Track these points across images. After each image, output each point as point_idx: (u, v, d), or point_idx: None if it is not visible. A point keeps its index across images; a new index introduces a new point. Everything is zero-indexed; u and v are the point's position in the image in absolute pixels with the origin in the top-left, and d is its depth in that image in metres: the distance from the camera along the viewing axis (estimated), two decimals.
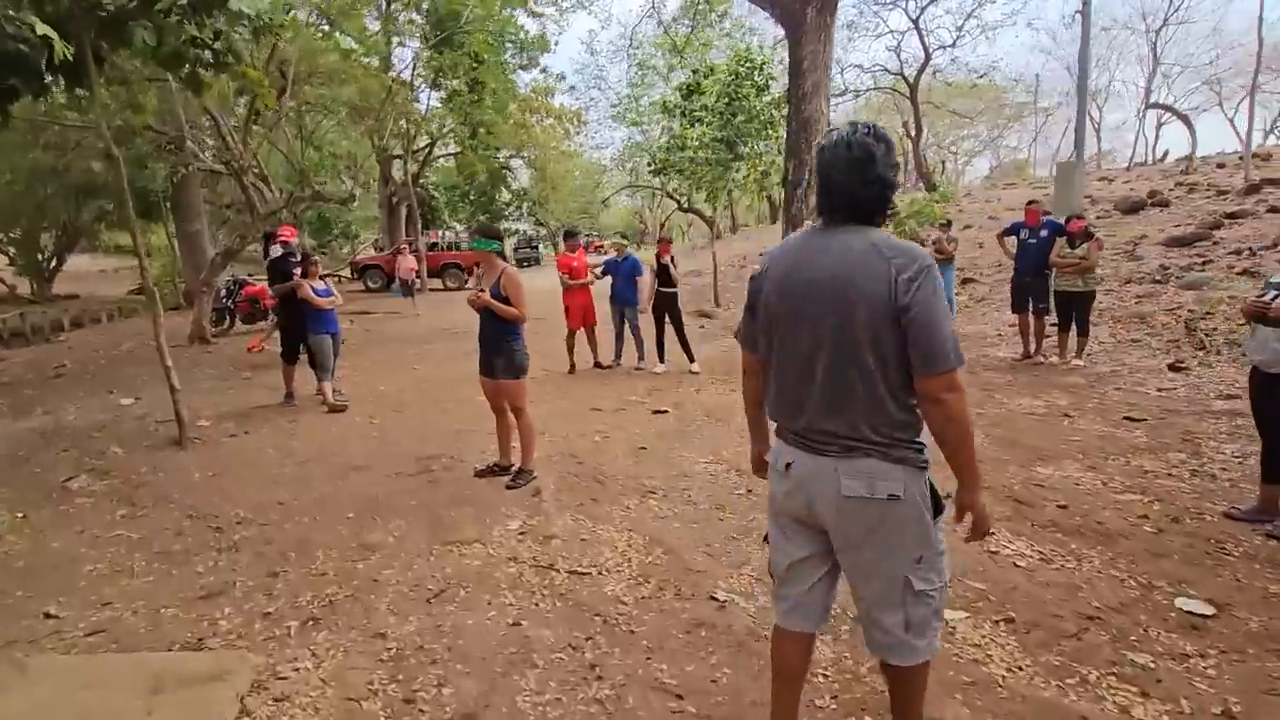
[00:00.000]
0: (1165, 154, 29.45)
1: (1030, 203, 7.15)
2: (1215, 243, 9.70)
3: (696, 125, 16.05)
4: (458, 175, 29.80)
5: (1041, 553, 3.08)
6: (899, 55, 25.12)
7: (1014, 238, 7.18)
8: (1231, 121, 30.77)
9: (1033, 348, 7.10)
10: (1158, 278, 8.86)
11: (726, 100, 13.92)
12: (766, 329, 1.67)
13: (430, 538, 3.43)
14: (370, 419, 5.93)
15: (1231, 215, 10.74)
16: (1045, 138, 39.21)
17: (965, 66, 24.83)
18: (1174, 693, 2.11)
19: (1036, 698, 2.11)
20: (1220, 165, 17.94)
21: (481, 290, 3.88)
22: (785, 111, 14.77)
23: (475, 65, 16.51)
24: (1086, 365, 6.63)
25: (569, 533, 3.45)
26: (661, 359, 7.77)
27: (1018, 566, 2.96)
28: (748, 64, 14.40)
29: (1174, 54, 30.50)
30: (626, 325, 7.90)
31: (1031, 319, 7.04)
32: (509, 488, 4.06)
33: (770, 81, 14.47)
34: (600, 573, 3.04)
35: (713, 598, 2.74)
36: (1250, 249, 8.87)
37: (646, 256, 8.41)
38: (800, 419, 1.61)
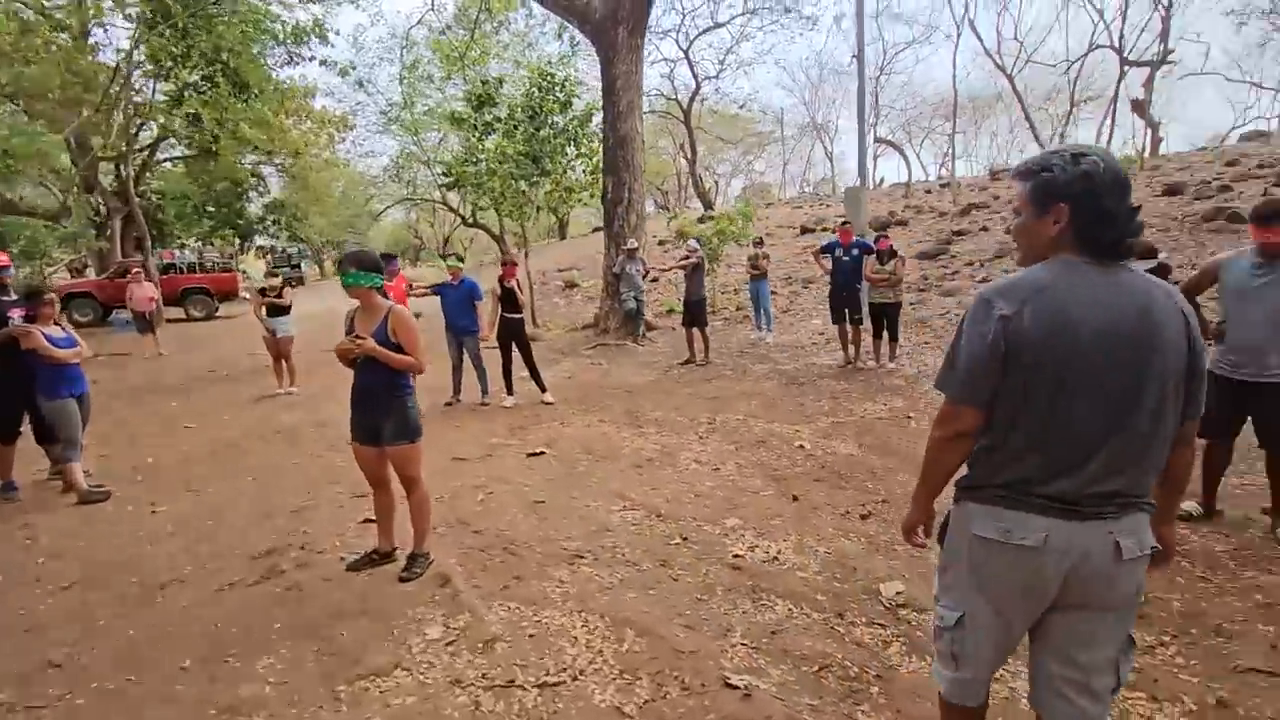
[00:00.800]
0: (882, 180, 35.69)
1: (844, 223, 7.94)
2: (953, 256, 11.79)
3: (490, 136, 15.48)
4: (191, 183, 25.18)
5: None
6: (672, 81, 26.93)
7: (829, 256, 7.90)
8: (918, 155, 38.54)
9: (852, 354, 7.88)
10: (921, 287, 10.48)
11: (530, 114, 13.51)
12: (1034, 384, 1.41)
13: (326, 674, 2.56)
14: (152, 507, 4.48)
15: (958, 233, 13.19)
16: (786, 164, 45.15)
17: (728, 96, 27.48)
18: (1174, 691, 2.28)
19: None
20: (928, 191, 22.17)
21: (358, 337, 3.05)
22: (589, 128, 14.89)
23: (234, 53, 13.93)
24: (899, 368, 7.50)
25: (509, 629, 2.83)
26: (510, 391, 7.14)
27: None
28: (548, 79, 14.12)
29: (883, 98, 37.06)
30: (466, 357, 7.13)
31: (849, 328, 7.79)
32: (403, 580, 3.26)
33: (572, 98, 14.38)
34: (576, 678, 2.50)
35: (729, 684, 2.39)
36: (980, 261, 10.93)
37: (430, 275, 7.45)
38: (1075, 480, 1.41)
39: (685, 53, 24.51)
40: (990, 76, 31.56)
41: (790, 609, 2.92)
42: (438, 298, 7.11)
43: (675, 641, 2.69)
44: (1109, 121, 24.79)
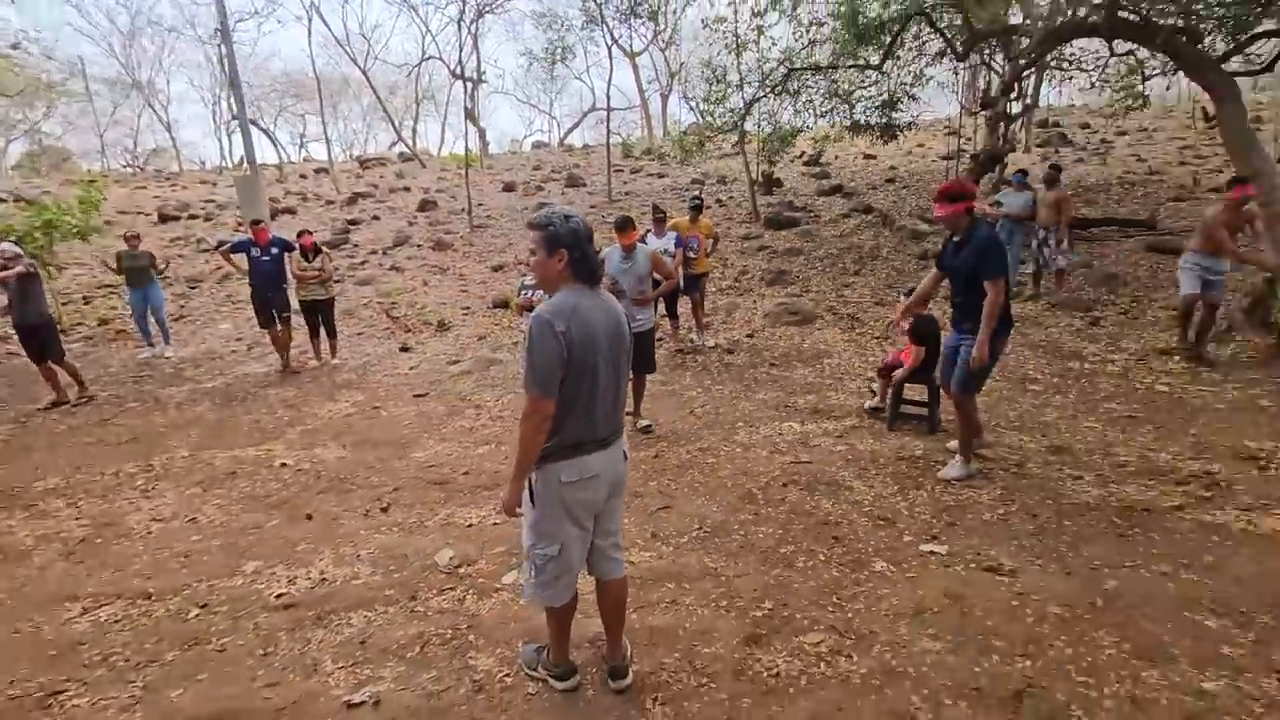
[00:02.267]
0: (243, 160, 32.31)
1: (256, 223, 7.28)
2: (356, 245, 12.21)
3: None
4: None
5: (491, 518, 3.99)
6: None
7: (244, 255, 7.21)
8: (273, 136, 36.45)
9: (291, 357, 7.50)
10: (338, 278, 10.57)
11: None
12: (581, 372, 2.08)
13: None
14: None
15: (352, 222, 13.61)
16: (104, 131, 35.43)
17: None
18: (630, 539, 3.55)
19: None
20: (303, 176, 21.55)
21: None
22: None
23: None
24: (344, 362, 7.61)
25: None
26: None
27: None
28: None
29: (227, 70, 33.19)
30: None
31: (280, 330, 7.37)
32: None
33: None
34: None
35: (352, 706, 2.41)
36: (384, 250, 11.73)
37: None
38: (606, 427, 2.21)
39: None
40: (336, 63, 32.47)
41: (367, 615, 3.02)
42: None
43: (267, 708, 2.47)
44: (443, 123, 29.30)
